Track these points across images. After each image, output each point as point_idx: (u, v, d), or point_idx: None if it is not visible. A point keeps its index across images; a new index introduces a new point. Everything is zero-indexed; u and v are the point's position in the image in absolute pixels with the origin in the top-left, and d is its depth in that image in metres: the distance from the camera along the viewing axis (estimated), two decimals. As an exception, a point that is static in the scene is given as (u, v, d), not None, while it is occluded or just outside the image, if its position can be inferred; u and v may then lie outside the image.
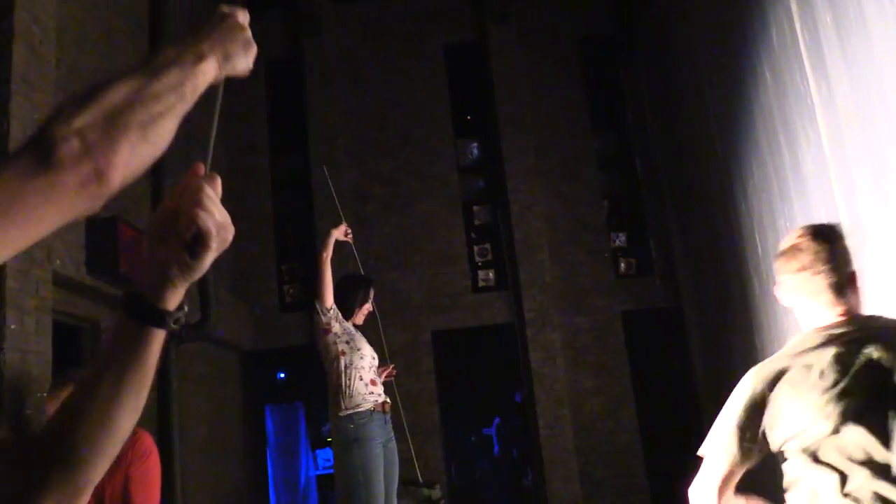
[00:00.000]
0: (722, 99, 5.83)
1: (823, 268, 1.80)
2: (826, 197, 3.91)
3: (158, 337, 0.83)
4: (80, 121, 0.72)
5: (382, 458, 3.77)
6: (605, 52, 8.84)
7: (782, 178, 4.62)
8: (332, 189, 4.88)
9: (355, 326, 4.10)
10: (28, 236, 0.70)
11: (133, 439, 3.15)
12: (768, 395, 1.72)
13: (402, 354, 7.33)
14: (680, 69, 7.16)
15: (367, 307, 4.12)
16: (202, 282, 5.97)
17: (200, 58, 0.86)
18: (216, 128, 0.99)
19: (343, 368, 3.85)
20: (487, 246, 8.35)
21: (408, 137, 8.49)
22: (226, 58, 0.89)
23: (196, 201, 0.83)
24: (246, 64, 0.92)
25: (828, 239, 1.83)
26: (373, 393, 3.90)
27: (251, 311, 7.96)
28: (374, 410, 3.87)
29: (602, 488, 7.55)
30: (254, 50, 0.93)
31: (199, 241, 0.82)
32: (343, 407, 3.82)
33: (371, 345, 4.07)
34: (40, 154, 0.70)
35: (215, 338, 6.52)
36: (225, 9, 0.95)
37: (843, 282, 1.80)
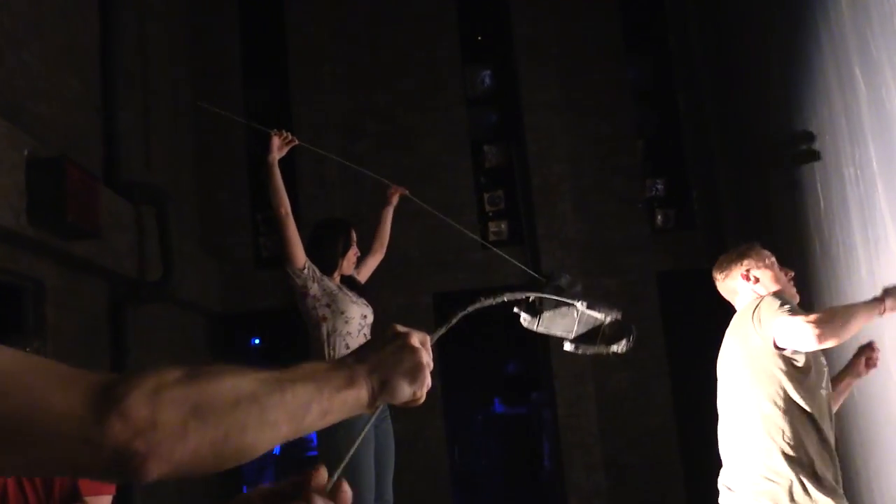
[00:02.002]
0: (784, 22, 5.73)
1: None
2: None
3: None
4: (171, 393, 0.73)
5: (374, 442, 3.80)
6: (643, -39, 8.67)
7: (855, 117, 4.56)
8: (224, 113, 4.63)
9: (345, 279, 4.12)
10: (20, 464, 0.72)
11: None
12: None
13: (398, 320, 7.35)
14: (734, -17, 7.02)
15: (353, 253, 4.15)
16: (164, 233, 5.98)
17: (350, 383, 0.89)
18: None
19: (325, 336, 3.89)
20: (500, 193, 8.32)
21: (406, 62, 8.39)
22: (383, 385, 0.93)
23: None
24: (410, 393, 0.95)
25: None
26: None
27: (221, 267, 7.97)
28: (365, 386, 3.89)
29: (629, 476, 7.66)
30: (424, 379, 0.96)
31: None
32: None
33: (364, 299, 4.09)
34: (103, 403, 0.71)
35: (179, 298, 6.55)
36: (399, 329, 1.00)
37: None
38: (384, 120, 8.27)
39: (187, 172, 7.81)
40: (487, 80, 8.67)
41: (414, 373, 0.96)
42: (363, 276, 4.36)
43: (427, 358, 0.99)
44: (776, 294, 2.86)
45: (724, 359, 2.99)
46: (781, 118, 5.99)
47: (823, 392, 2.84)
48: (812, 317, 2.63)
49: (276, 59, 8.41)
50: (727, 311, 3.14)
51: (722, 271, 3.07)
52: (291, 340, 6.92)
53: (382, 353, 0.96)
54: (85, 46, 5.71)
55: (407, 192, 4.48)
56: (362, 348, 0.99)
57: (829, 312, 2.72)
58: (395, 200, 4.47)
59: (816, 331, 2.60)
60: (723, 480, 2.97)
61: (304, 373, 0.87)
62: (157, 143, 6.81)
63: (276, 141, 4.03)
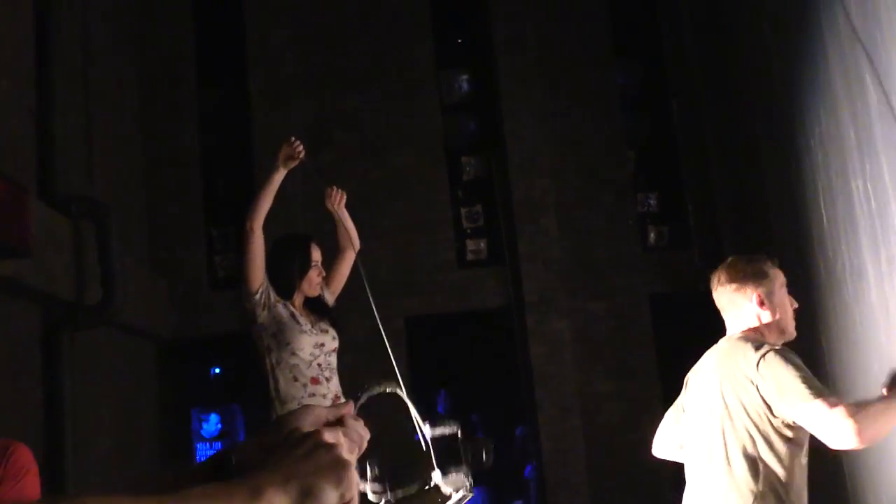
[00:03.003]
0: (787, 25, 5.70)
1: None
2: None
3: None
4: None
5: None
6: (634, -43, 8.66)
7: (864, 125, 4.50)
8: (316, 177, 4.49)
9: (310, 302, 4.01)
10: None
11: (6, 455, 3.09)
12: None
13: (366, 347, 7.21)
14: (732, -18, 7.01)
15: (316, 273, 4.01)
16: (104, 250, 5.82)
17: (255, 497, 0.81)
18: None
19: (269, 369, 3.82)
20: (478, 208, 8.23)
21: (377, 66, 8.31)
22: (306, 494, 0.84)
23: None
24: (336, 499, 0.87)
25: None
26: (314, 395, 3.82)
27: (172, 288, 7.82)
28: (318, 419, 3.78)
29: (619, 519, 7.54)
30: (351, 479, 0.89)
31: None
32: (275, 416, 3.75)
33: (327, 322, 3.97)
34: None
35: (123, 323, 6.38)
36: (306, 428, 0.93)
37: None
38: (352, 128, 8.17)
39: (134, 184, 7.66)
40: (465, 86, 8.60)
41: (337, 473, 0.87)
42: (337, 284, 4.21)
43: (348, 453, 0.91)
44: (782, 350, 2.71)
45: (702, 392, 2.88)
46: (783, 128, 5.94)
47: (804, 460, 2.76)
48: (853, 414, 2.48)
49: (233, 61, 8.31)
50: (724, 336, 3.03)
51: (733, 281, 2.90)
52: (255, 370, 6.74)
53: (293, 456, 0.87)
54: (16, 41, 5.55)
55: (342, 196, 4.20)
56: (268, 457, 0.90)
57: (870, 411, 2.56)
58: (334, 202, 4.16)
59: (858, 433, 2.46)
60: None
61: (192, 496, 0.79)
62: (100, 151, 6.65)
63: (284, 150, 3.83)
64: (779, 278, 2.90)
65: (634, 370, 7.82)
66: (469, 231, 8.19)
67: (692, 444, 2.92)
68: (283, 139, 3.92)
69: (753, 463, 2.67)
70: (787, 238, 6.02)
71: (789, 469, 2.67)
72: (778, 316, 2.86)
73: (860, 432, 2.46)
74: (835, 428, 2.50)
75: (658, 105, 8.52)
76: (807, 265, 5.60)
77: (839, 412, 2.48)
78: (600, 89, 8.33)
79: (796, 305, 2.94)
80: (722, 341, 2.93)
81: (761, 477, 2.66)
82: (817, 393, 2.55)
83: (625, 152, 8.37)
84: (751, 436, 2.67)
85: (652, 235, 8.21)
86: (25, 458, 3.10)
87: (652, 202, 8.34)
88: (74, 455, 5.62)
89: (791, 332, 2.91)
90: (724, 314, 2.97)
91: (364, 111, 8.22)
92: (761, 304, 2.84)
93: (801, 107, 5.56)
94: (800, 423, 2.60)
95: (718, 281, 2.94)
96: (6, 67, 5.41)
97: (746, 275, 2.88)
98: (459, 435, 1.65)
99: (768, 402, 2.64)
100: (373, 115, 8.22)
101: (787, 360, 2.65)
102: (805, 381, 2.58)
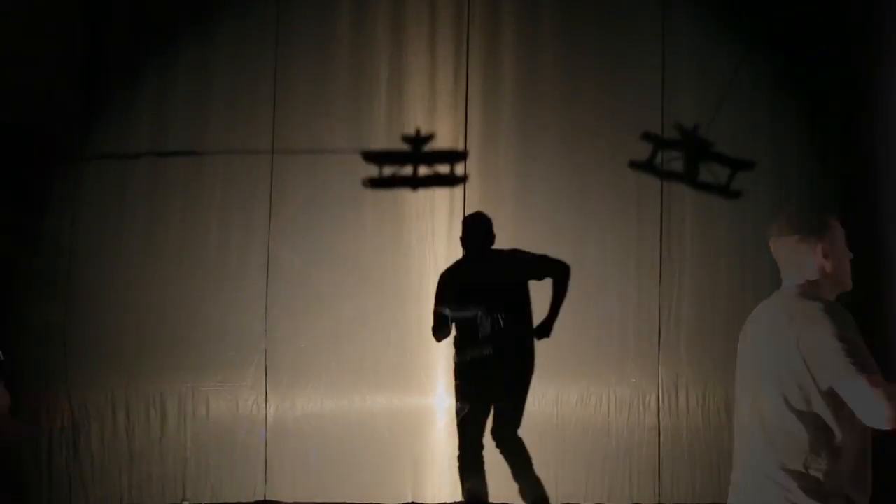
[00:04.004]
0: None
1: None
2: None
3: None
4: None
5: None
6: None
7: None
8: None
9: None
10: None
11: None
12: None
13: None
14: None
15: None
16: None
17: None
18: None
19: None
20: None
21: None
22: None
23: None
24: None
25: None
26: None
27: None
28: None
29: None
30: None
31: None
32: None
33: None
34: None
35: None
36: None
37: None
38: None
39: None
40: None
41: None
42: None
43: None
44: (836, 312, 2.73)
45: (754, 349, 2.92)
46: (860, 87, 5.81)
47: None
48: (893, 396, 2.56)
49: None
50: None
51: (797, 231, 2.94)
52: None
53: None
54: (63, 3, 5.69)
55: None
56: None
57: None
58: None
59: (892, 420, 2.55)
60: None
61: None
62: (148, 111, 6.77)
63: None
64: (839, 229, 2.95)
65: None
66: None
67: (745, 400, 2.96)
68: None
69: (807, 420, 2.70)
70: (860, 206, 5.88)
71: (844, 428, 2.69)
72: (837, 268, 2.90)
73: (894, 418, 2.55)
74: (870, 408, 2.57)
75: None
76: (880, 234, 5.50)
77: (878, 393, 2.55)
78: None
79: (851, 256, 2.97)
80: (776, 295, 2.98)
81: (816, 433, 2.69)
82: (861, 368, 2.59)
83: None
84: (804, 393, 2.70)
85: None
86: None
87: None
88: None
89: (847, 283, 2.95)
90: (781, 265, 3.00)
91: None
92: (825, 255, 2.88)
93: (888, 64, 5.43)
94: (838, 393, 2.64)
95: (779, 231, 2.98)
96: (53, 29, 5.54)
97: (811, 225, 2.93)
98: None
99: (809, 366, 2.68)
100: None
101: (839, 324, 2.68)
102: (850, 353, 2.62)
